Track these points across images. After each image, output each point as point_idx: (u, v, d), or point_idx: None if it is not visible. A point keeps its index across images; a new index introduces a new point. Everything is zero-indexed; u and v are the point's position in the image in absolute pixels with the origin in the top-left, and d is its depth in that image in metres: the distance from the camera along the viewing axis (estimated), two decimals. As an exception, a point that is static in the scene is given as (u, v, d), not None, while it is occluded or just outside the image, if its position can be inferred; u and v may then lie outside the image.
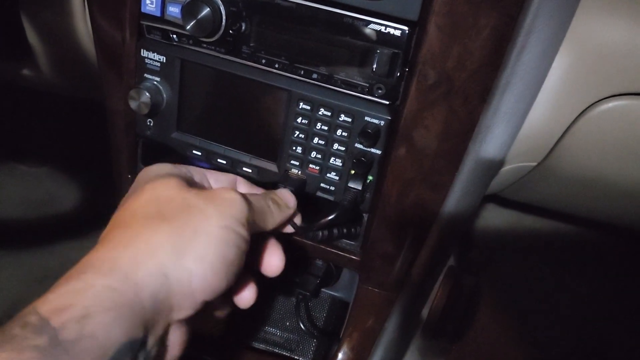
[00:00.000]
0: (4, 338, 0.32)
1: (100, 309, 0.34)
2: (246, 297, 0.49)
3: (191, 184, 0.47)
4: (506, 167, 0.65)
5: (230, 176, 0.54)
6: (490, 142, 0.55)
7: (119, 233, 0.41)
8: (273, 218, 0.49)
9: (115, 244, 0.39)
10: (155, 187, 0.44)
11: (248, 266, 0.46)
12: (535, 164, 0.65)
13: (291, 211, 0.52)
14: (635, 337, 1.06)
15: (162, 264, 0.38)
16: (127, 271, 0.37)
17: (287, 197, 0.52)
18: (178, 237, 0.40)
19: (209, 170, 0.53)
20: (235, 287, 0.48)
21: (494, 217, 1.17)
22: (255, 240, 0.48)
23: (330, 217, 0.53)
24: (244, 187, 0.54)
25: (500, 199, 0.97)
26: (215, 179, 0.53)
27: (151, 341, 0.37)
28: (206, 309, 0.42)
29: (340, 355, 0.64)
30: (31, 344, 0.32)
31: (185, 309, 0.40)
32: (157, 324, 0.38)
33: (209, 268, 0.40)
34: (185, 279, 0.39)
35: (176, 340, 0.41)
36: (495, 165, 0.62)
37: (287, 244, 0.54)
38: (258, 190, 0.54)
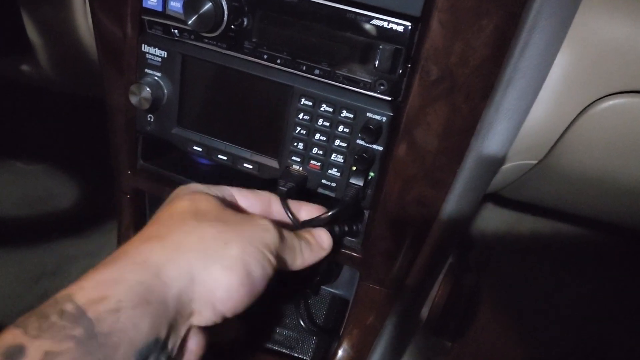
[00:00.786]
0: (43, 325, 0.33)
1: (131, 304, 0.35)
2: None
3: (226, 204, 0.48)
4: (507, 165, 0.65)
5: (262, 195, 0.53)
6: (492, 139, 0.55)
7: (156, 228, 0.43)
8: (303, 258, 0.49)
9: (151, 237, 0.41)
10: (195, 199, 0.45)
11: None
12: (536, 161, 0.65)
13: (324, 253, 0.51)
14: (635, 337, 1.06)
15: (190, 265, 0.39)
16: (159, 266, 0.38)
17: (322, 238, 0.52)
18: (210, 243, 0.41)
19: (236, 188, 0.52)
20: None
21: (493, 217, 1.17)
22: None
23: (331, 212, 0.53)
24: (276, 205, 0.53)
25: (500, 199, 0.97)
26: (244, 196, 0.52)
27: (171, 343, 0.38)
28: (221, 326, 0.42)
29: (340, 353, 0.64)
30: (69, 334, 0.32)
31: (204, 317, 0.40)
32: (179, 326, 0.39)
33: (235, 280, 0.40)
34: (211, 285, 0.39)
35: (193, 347, 0.41)
36: (496, 163, 0.62)
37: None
38: (294, 205, 0.53)
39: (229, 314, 0.41)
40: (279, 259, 0.45)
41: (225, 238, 0.42)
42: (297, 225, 0.53)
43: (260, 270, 0.42)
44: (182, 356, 0.41)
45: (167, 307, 0.37)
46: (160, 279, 0.37)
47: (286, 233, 0.47)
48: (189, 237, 0.41)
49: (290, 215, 0.53)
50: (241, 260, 0.41)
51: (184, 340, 0.40)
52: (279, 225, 0.47)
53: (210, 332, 0.43)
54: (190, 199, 0.45)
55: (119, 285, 0.36)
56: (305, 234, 0.51)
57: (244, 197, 0.51)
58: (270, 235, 0.44)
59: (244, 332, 0.58)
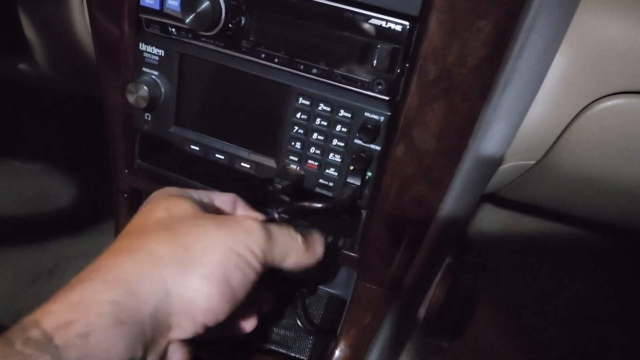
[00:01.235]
0: (6, 352, 0.31)
1: (102, 327, 0.33)
2: (246, 327, 0.48)
3: (204, 208, 0.46)
4: (504, 166, 0.65)
5: (230, 196, 0.51)
6: (489, 140, 0.54)
7: (127, 241, 0.40)
8: (297, 257, 0.46)
9: (122, 251, 0.39)
10: (170, 206, 0.43)
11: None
12: (533, 162, 0.65)
13: (314, 260, 0.49)
14: (634, 337, 1.06)
15: (164, 278, 0.37)
16: (131, 283, 0.36)
17: (316, 244, 0.49)
18: (185, 252, 0.39)
19: (210, 190, 0.50)
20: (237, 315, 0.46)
21: (491, 218, 1.17)
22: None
23: (319, 205, 0.53)
24: (242, 208, 0.51)
25: (497, 200, 0.97)
26: (218, 197, 0.50)
27: (149, 358, 0.36)
28: (206, 333, 0.40)
29: (337, 353, 0.64)
30: None
31: (185, 330, 0.39)
32: (157, 343, 0.37)
33: (215, 290, 0.38)
34: (188, 297, 0.38)
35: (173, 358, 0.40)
36: (494, 163, 0.62)
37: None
38: (256, 214, 0.51)
39: (211, 324, 0.40)
40: (268, 258, 0.43)
41: (202, 246, 0.39)
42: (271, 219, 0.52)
43: (241, 277, 0.40)
44: None
45: (143, 325, 0.35)
46: (133, 296, 0.35)
47: (278, 230, 0.45)
48: (163, 247, 0.39)
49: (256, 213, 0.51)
50: (220, 268, 0.39)
51: (164, 356, 0.38)
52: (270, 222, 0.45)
53: (194, 342, 0.41)
54: (164, 206, 0.43)
55: (90, 307, 0.34)
56: (303, 232, 0.49)
57: (218, 198, 0.49)
58: (254, 237, 0.42)
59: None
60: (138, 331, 0.35)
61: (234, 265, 0.40)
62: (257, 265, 0.41)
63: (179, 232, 0.40)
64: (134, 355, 0.34)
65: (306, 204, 0.53)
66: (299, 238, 0.47)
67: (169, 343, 0.38)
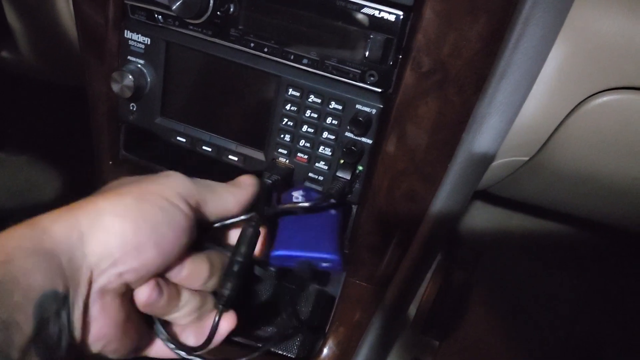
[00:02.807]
0: None
1: (21, 255, 0.34)
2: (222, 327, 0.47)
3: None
4: (497, 162, 0.64)
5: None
6: (484, 134, 0.53)
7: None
8: (234, 197, 0.47)
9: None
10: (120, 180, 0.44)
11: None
12: (527, 158, 0.64)
13: (251, 189, 0.49)
14: (626, 334, 1.06)
15: (78, 220, 0.38)
16: (46, 225, 0.37)
17: (243, 178, 0.50)
18: (103, 200, 0.39)
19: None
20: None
21: (483, 215, 1.17)
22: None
23: (303, 204, 0.52)
24: None
25: (490, 196, 0.97)
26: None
27: (73, 300, 0.36)
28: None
29: (325, 351, 0.63)
30: None
31: (107, 275, 0.38)
32: (78, 284, 0.37)
33: (129, 227, 0.38)
34: (102, 237, 0.38)
35: (101, 314, 0.39)
36: (488, 158, 0.61)
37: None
38: None
39: (134, 267, 0.39)
40: (200, 203, 0.44)
41: (121, 192, 0.40)
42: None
43: (162, 216, 0.40)
44: (89, 323, 0.38)
45: (59, 260, 0.36)
46: (47, 235, 0.36)
47: (203, 181, 0.45)
48: (85, 201, 0.39)
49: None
50: (135, 207, 0.39)
51: (87, 301, 0.38)
52: None
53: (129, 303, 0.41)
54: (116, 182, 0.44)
55: (9, 239, 0.35)
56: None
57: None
58: (177, 182, 0.43)
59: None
60: (55, 265, 0.36)
61: (153, 205, 0.40)
62: (187, 210, 0.42)
63: (110, 191, 0.41)
64: (54, 286, 0.35)
65: (290, 205, 0.52)
66: (228, 184, 0.48)
67: (91, 287, 0.38)
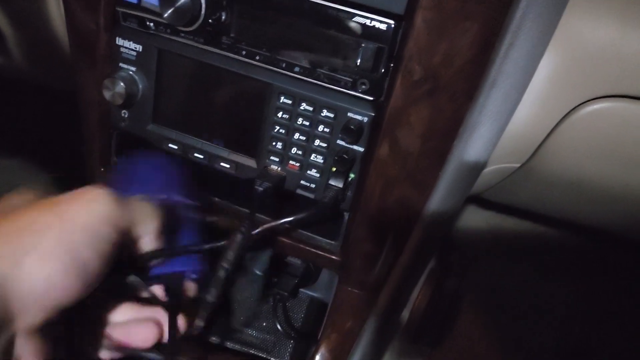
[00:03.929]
0: None
1: None
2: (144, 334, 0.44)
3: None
4: (489, 168, 0.65)
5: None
6: (475, 141, 0.54)
7: None
8: (156, 217, 0.43)
9: None
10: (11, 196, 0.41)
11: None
12: (518, 165, 0.64)
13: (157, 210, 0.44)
14: (618, 339, 1.06)
15: None
16: None
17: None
18: (20, 237, 0.36)
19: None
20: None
21: (475, 220, 1.17)
22: None
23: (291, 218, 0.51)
24: None
25: (482, 201, 0.97)
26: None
27: None
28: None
29: (317, 358, 0.63)
30: None
31: (32, 316, 0.36)
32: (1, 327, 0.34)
33: (55, 269, 0.36)
34: (27, 282, 0.35)
35: (28, 352, 0.37)
36: (479, 165, 0.61)
37: (266, 241, 0.53)
38: None
39: (65, 303, 0.37)
40: (129, 226, 0.41)
41: (39, 227, 0.37)
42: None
43: (89, 249, 0.37)
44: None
45: None
46: None
47: (130, 199, 0.42)
48: (3, 234, 0.36)
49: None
50: (60, 247, 0.36)
51: (10, 348, 0.36)
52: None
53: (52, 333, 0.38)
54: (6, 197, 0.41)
55: None
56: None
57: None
58: (100, 207, 0.39)
59: (211, 329, 0.53)
60: None
61: (78, 242, 0.37)
62: (111, 235, 0.39)
63: (17, 217, 0.37)
64: None
65: (275, 223, 0.52)
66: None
67: (14, 333, 0.36)
